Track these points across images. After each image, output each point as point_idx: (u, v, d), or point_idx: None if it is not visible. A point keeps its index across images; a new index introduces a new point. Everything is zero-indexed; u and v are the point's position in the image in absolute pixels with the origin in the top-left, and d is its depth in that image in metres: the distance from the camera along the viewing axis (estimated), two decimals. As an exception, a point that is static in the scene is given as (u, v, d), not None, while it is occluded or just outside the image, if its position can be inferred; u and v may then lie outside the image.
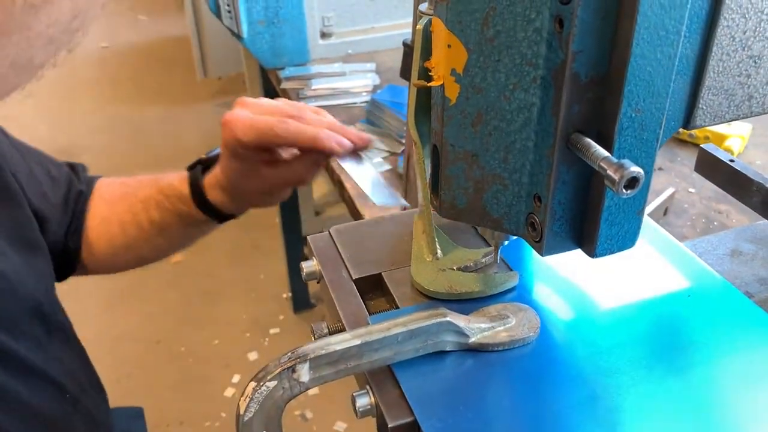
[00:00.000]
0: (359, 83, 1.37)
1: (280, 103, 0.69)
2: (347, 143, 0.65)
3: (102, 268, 0.85)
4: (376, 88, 1.37)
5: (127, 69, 3.95)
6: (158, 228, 0.80)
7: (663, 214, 0.98)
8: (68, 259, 0.81)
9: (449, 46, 0.40)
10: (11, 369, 0.60)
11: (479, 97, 0.40)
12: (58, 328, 0.70)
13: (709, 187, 1.05)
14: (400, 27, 1.57)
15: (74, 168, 0.84)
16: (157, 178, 0.81)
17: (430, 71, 0.43)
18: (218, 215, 0.78)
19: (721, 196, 1.04)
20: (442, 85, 0.41)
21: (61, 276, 0.82)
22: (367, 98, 1.33)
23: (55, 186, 0.79)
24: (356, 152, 0.67)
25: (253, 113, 0.67)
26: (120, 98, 3.63)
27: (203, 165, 0.77)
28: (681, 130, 1.19)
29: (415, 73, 0.47)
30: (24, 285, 0.65)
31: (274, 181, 0.71)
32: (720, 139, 1.11)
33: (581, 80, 0.36)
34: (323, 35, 1.50)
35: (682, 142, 1.16)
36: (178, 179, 0.78)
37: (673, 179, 1.07)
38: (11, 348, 0.60)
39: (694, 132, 1.15)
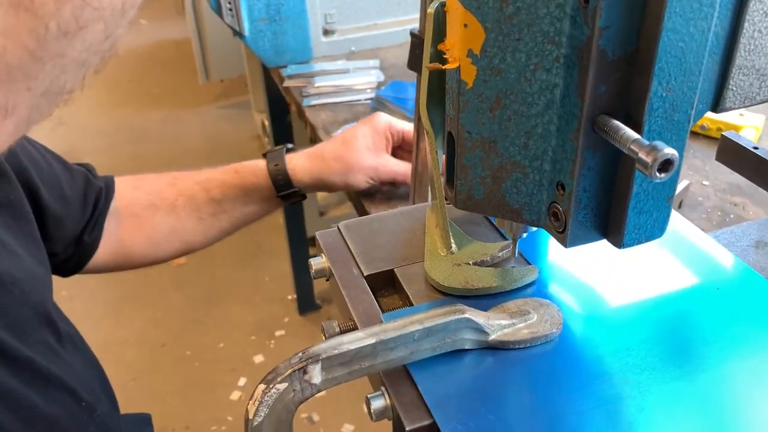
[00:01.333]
0: (363, 80, 1.34)
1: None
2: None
3: (136, 258, 0.86)
4: (380, 84, 1.34)
5: (129, 73, 3.93)
6: (217, 206, 0.85)
7: (678, 207, 0.96)
8: (79, 256, 0.79)
9: (465, 25, 0.37)
10: (27, 378, 0.57)
11: (498, 80, 0.38)
12: (66, 334, 0.68)
13: (724, 180, 1.03)
14: (404, 23, 1.54)
15: (86, 166, 0.84)
16: (230, 167, 0.87)
17: (444, 54, 0.40)
18: (292, 193, 0.87)
19: (735, 188, 1.01)
20: (458, 68, 0.39)
21: (66, 273, 0.81)
22: (372, 95, 1.31)
23: (73, 181, 0.78)
24: None
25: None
26: (121, 102, 3.62)
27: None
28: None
29: (426, 59, 0.45)
30: (36, 291, 0.62)
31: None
32: (733, 130, 1.09)
33: (608, 58, 0.34)
34: (326, 32, 1.48)
35: (694, 134, 1.13)
36: (255, 164, 0.86)
37: (687, 172, 1.05)
38: (26, 356, 0.58)
39: (706, 124, 1.12)
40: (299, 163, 0.87)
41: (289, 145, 0.91)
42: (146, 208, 0.84)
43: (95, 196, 0.80)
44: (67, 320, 0.71)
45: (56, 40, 0.29)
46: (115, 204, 0.83)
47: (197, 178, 0.86)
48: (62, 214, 0.74)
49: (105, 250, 0.82)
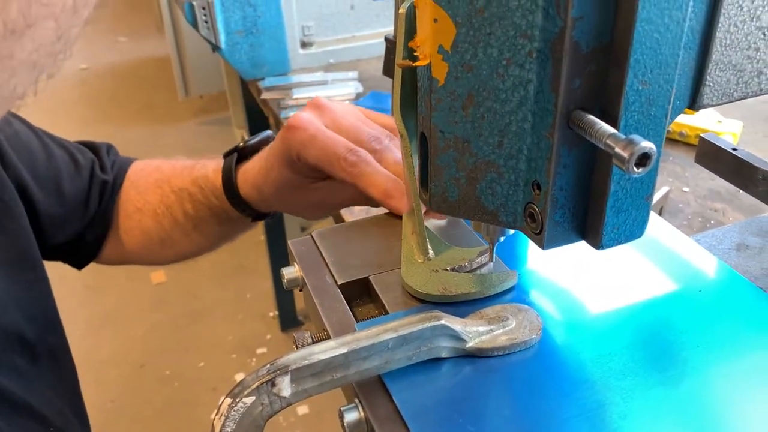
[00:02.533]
0: (342, 92, 1.33)
1: (358, 123, 0.59)
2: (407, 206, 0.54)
3: (136, 259, 0.81)
4: (359, 96, 1.34)
5: (108, 90, 3.91)
6: (193, 222, 0.74)
7: (658, 213, 0.95)
8: (86, 250, 0.76)
9: (435, 20, 0.36)
10: None
11: (470, 76, 0.37)
12: (47, 350, 0.64)
13: (704, 186, 1.03)
14: (383, 35, 1.54)
15: (99, 154, 0.78)
16: (193, 167, 0.74)
17: (415, 52, 0.39)
18: (251, 213, 0.70)
19: (715, 194, 1.01)
20: (429, 65, 0.37)
21: (79, 264, 0.78)
22: (350, 106, 1.30)
23: (77, 175, 0.74)
24: None
25: (326, 125, 0.58)
26: (101, 119, 3.58)
27: (239, 153, 0.69)
28: (671, 129, 1.16)
29: (399, 57, 0.44)
30: (7, 312, 0.60)
31: (323, 200, 0.63)
32: (712, 136, 1.09)
33: (582, 51, 0.33)
34: (303, 45, 1.47)
35: (674, 142, 1.13)
36: (213, 170, 0.71)
37: (666, 178, 1.05)
38: None
39: (685, 131, 1.12)
40: (247, 170, 0.68)
41: (255, 138, 0.70)
42: (136, 211, 0.77)
43: (99, 191, 0.75)
44: (58, 334, 0.67)
45: (3, 40, 0.28)
46: (122, 194, 0.77)
47: (176, 184, 0.75)
48: (59, 213, 0.71)
49: (110, 246, 0.78)
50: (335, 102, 0.63)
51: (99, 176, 0.76)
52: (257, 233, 2.38)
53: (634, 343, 0.44)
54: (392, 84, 0.57)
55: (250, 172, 0.67)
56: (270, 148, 0.64)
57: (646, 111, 0.35)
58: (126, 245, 0.78)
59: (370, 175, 0.55)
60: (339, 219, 0.94)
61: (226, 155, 0.71)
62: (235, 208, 0.69)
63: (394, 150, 0.58)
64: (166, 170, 0.78)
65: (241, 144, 0.70)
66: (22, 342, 0.61)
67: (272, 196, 0.66)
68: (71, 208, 0.73)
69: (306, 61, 1.47)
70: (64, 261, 0.79)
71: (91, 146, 0.79)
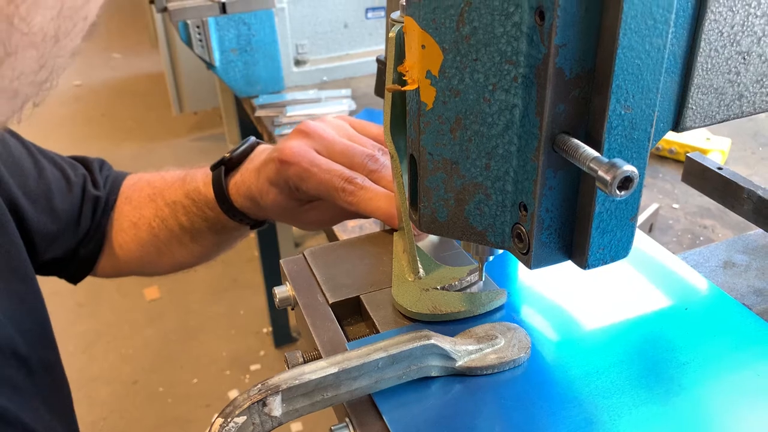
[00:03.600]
0: (335, 109, 1.34)
1: (350, 145, 0.58)
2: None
3: (132, 271, 0.81)
4: (352, 113, 1.35)
5: (102, 106, 3.92)
6: (190, 234, 0.74)
7: (648, 230, 0.96)
8: (80, 265, 0.76)
9: (423, 46, 0.37)
10: None
11: (457, 101, 0.38)
12: (41, 367, 0.64)
13: (693, 203, 1.04)
14: (375, 54, 1.56)
15: (91, 168, 0.78)
16: (184, 179, 0.74)
17: (404, 76, 0.40)
18: (248, 221, 0.70)
19: (705, 211, 1.02)
20: (418, 89, 0.38)
21: (74, 279, 0.78)
22: (344, 124, 1.31)
23: (69, 192, 0.74)
24: None
25: (318, 151, 0.58)
26: (95, 135, 3.59)
27: (226, 166, 0.69)
28: (660, 146, 1.17)
29: (389, 81, 0.45)
30: (3, 327, 0.60)
31: (321, 218, 0.64)
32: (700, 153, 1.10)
33: (566, 77, 0.34)
34: (297, 63, 1.48)
35: (663, 159, 1.15)
36: (203, 182, 0.71)
37: (656, 195, 1.06)
38: None
39: (674, 148, 1.14)
40: (238, 181, 0.68)
41: (240, 147, 0.68)
42: (132, 225, 0.77)
43: (92, 207, 0.75)
44: (50, 348, 0.67)
45: None
46: (117, 210, 0.77)
47: (169, 197, 0.75)
48: (51, 230, 0.71)
49: (105, 260, 0.78)
50: (323, 120, 0.63)
51: (91, 192, 0.76)
52: (251, 249, 2.38)
53: (622, 361, 0.44)
54: (383, 106, 0.58)
55: (242, 185, 0.67)
56: (264, 170, 0.64)
57: (629, 134, 0.36)
58: (121, 258, 0.78)
59: (370, 201, 0.56)
60: (332, 236, 0.95)
61: (214, 168, 0.70)
62: (231, 219, 0.69)
63: (390, 166, 0.58)
64: (157, 184, 0.77)
65: (227, 156, 0.69)
66: (15, 356, 0.61)
67: (269, 213, 0.67)
68: (63, 225, 0.73)
69: (300, 78, 1.48)
70: (59, 276, 0.79)
71: (83, 161, 0.80)
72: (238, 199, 0.68)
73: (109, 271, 0.80)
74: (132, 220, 0.77)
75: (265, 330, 2.28)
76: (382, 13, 1.51)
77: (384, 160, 0.60)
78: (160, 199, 0.76)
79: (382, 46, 1.56)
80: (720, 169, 0.60)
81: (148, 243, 0.77)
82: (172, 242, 0.76)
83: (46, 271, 0.77)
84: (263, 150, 0.69)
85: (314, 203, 0.63)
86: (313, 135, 0.59)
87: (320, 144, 0.59)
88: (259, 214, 0.70)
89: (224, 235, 0.75)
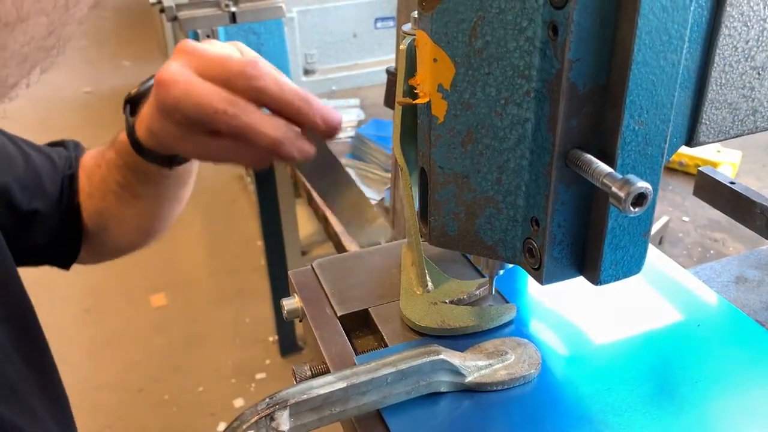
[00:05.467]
0: (344, 118, 1.35)
1: (232, 59, 0.52)
2: (310, 150, 0.51)
3: (107, 248, 0.79)
4: (360, 123, 1.35)
5: (111, 113, 3.93)
6: (128, 190, 0.70)
7: (658, 243, 0.95)
8: (68, 248, 0.76)
9: (435, 60, 0.37)
10: None
11: (469, 114, 0.37)
12: (38, 373, 0.64)
13: (703, 215, 1.03)
14: (384, 63, 1.56)
15: (68, 149, 0.77)
16: (116, 136, 0.70)
17: (415, 89, 0.40)
18: (159, 160, 0.64)
19: (715, 223, 1.02)
20: (429, 103, 0.38)
21: (65, 264, 0.78)
22: (352, 133, 1.31)
23: (54, 174, 0.74)
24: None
25: (196, 71, 0.52)
26: (103, 142, 3.60)
27: (131, 104, 0.64)
28: (671, 159, 1.17)
29: (399, 93, 0.44)
30: None
31: (216, 155, 0.57)
32: (711, 166, 1.09)
33: (579, 91, 0.34)
34: (306, 72, 1.49)
35: (673, 171, 1.14)
36: (122, 131, 0.66)
37: (666, 208, 1.05)
38: None
39: (684, 160, 1.13)
40: (141, 118, 0.62)
41: (144, 86, 0.64)
42: (88, 196, 0.75)
43: (69, 185, 0.74)
44: (38, 349, 0.67)
45: None
46: (78, 183, 0.75)
47: (107, 157, 0.71)
48: (41, 211, 0.71)
49: (86, 242, 0.77)
50: (209, 42, 0.56)
51: (67, 172, 0.76)
52: (257, 258, 2.38)
53: (633, 378, 0.44)
54: (393, 117, 0.58)
55: (142, 120, 0.61)
56: (150, 98, 0.58)
57: (643, 150, 0.35)
58: (93, 235, 0.77)
59: (255, 125, 0.50)
60: (341, 248, 0.95)
61: (123, 109, 0.65)
62: (144, 159, 0.64)
63: (275, 75, 0.52)
64: (103, 149, 0.74)
65: (131, 92, 0.64)
66: (9, 360, 0.60)
67: (166, 144, 0.60)
68: (52, 206, 0.74)
69: (309, 88, 1.48)
70: (51, 264, 0.79)
71: (62, 144, 0.80)
72: (143, 135, 0.62)
73: (90, 254, 0.80)
74: (87, 190, 0.75)
75: (270, 339, 2.27)
76: (391, 23, 1.51)
77: (267, 67, 0.52)
78: (102, 161, 0.73)
79: (391, 56, 1.57)
80: (732, 183, 0.59)
81: (104, 211, 0.75)
82: (119, 205, 0.73)
83: (39, 259, 0.77)
84: None
85: (209, 134, 0.54)
86: (192, 53, 0.53)
87: (198, 62, 0.52)
88: (163, 149, 0.63)
89: (153, 185, 0.70)
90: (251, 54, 0.56)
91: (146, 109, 0.61)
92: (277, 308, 2.17)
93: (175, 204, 0.77)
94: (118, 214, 0.75)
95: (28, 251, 0.71)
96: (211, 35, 1.32)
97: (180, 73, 0.52)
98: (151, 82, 0.64)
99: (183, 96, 0.51)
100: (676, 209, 1.05)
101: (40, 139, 0.76)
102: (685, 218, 1.03)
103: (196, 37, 1.32)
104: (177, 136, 0.57)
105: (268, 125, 0.50)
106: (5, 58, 0.30)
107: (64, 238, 0.76)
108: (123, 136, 0.67)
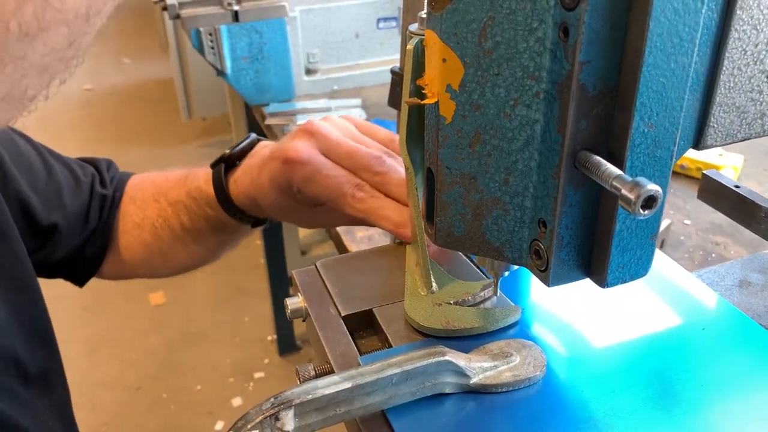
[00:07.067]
0: (345, 119, 1.34)
1: (360, 153, 0.55)
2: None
3: (137, 273, 0.80)
4: (362, 123, 1.34)
5: (112, 111, 3.93)
6: (191, 234, 0.73)
7: (660, 246, 0.95)
8: (86, 266, 0.76)
9: (444, 60, 0.37)
10: None
11: (477, 115, 0.37)
12: (38, 374, 0.64)
13: (705, 219, 1.03)
14: (386, 63, 1.56)
15: (99, 169, 0.78)
16: (186, 178, 0.73)
17: (423, 89, 0.40)
18: (248, 220, 0.69)
19: (717, 227, 1.02)
20: (437, 103, 0.38)
21: (80, 281, 0.78)
22: (354, 133, 1.31)
23: (78, 190, 0.74)
24: None
25: (323, 152, 0.55)
26: (104, 140, 3.60)
27: (226, 163, 0.67)
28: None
29: (406, 93, 0.44)
30: (3, 334, 0.59)
31: (323, 222, 0.63)
32: (713, 169, 1.09)
33: (589, 93, 0.33)
34: (308, 71, 1.49)
35: (675, 174, 1.14)
36: (204, 180, 0.69)
37: (668, 211, 1.05)
38: None
39: (685, 164, 1.13)
40: (239, 179, 0.66)
41: (240, 144, 0.67)
42: (135, 226, 0.77)
43: (99, 206, 0.75)
44: (51, 359, 0.67)
45: (17, 41, 0.28)
46: (122, 209, 0.77)
47: (171, 197, 0.75)
48: (60, 227, 0.71)
49: (110, 261, 0.78)
50: (328, 120, 0.60)
51: (99, 191, 0.76)
52: (257, 256, 2.38)
53: (637, 382, 0.44)
54: (398, 117, 0.58)
55: (242, 182, 0.65)
56: (265, 168, 0.61)
57: (652, 153, 0.35)
58: (126, 260, 0.78)
59: (379, 209, 0.54)
60: (342, 248, 0.94)
61: (214, 165, 0.69)
62: (232, 217, 0.68)
63: (398, 169, 0.57)
64: (160, 183, 0.77)
65: (227, 152, 0.68)
66: (17, 364, 0.60)
67: (268, 211, 0.65)
68: (72, 222, 0.73)
69: (310, 87, 1.48)
70: (65, 278, 0.79)
71: (92, 162, 0.80)
72: (238, 197, 0.66)
73: (114, 273, 0.80)
74: (136, 220, 0.77)
75: (269, 338, 2.27)
76: (394, 23, 1.51)
77: (390, 162, 0.58)
78: (163, 198, 0.75)
79: (394, 56, 1.56)
80: (737, 187, 0.59)
81: (152, 244, 0.76)
82: (174, 243, 0.76)
83: (53, 273, 0.77)
84: (264, 147, 0.68)
85: (318, 208, 0.62)
86: (318, 135, 0.57)
87: (325, 145, 0.57)
88: (258, 213, 0.68)
89: (225, 235, 0.74)
90: (370, 130, 0.61)
91: (250, 175, 0.64)
92: (277, 307, 2.18)
93: (227, 249, 0.79)
94: (169, 252, 0.76)
95: (43, 265, 0.71)
96: (214, 33, 1.32)
97: (309, 153, 0.55)
98: (247, 141, 0.67)
99: (312, 176, 0.54)
100: (678, 212, 1.05)
101: (40, 137, 0.76)
102: (687, 221, 1.03)
103: (198, 36, 1.32)
104: (290, 208, 0.61)
105: (392, 210, 0.54)
106: (25, 69, 0.30)
107: (82, 256, 0.76)
108: (205, 187, 0.69)
